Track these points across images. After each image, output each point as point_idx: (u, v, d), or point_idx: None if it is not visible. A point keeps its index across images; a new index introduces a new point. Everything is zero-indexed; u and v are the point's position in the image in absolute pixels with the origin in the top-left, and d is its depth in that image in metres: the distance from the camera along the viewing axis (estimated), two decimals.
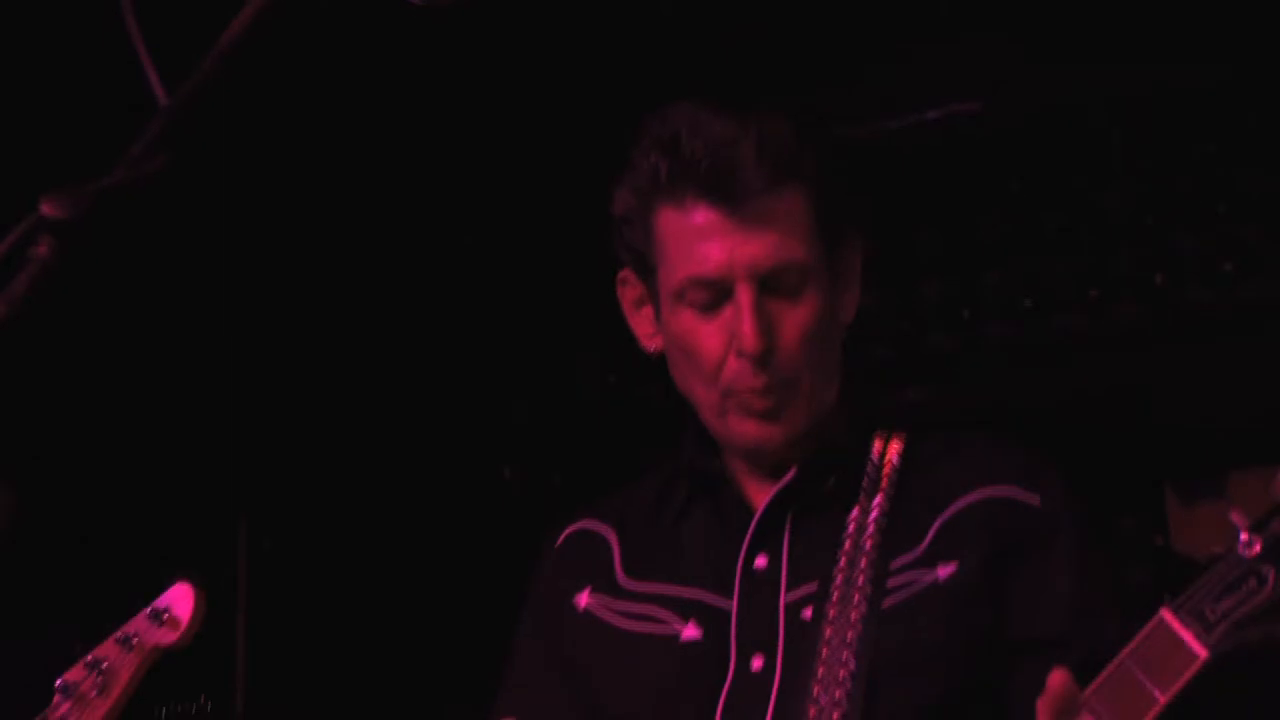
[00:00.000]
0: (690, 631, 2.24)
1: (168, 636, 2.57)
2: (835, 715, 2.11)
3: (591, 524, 2.41)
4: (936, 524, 2.22)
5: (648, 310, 2.31)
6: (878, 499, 2.25)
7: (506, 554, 4.78)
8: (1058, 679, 1.86)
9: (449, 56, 4.20)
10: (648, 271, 2.27)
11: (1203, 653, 1.78)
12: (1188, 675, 1.79)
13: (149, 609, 2.52)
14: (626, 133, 2.27)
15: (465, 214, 4.80)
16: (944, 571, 2.19)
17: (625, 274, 2.33)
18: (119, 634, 2.59)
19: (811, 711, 2.13)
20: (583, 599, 2.34)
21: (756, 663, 2.19)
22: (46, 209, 1.59)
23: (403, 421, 5.13)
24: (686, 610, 2.25)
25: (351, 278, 4.86)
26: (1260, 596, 1.76)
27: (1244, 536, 1.78)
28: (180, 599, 2.57)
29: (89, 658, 2.55)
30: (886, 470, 2.27)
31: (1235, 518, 1.79)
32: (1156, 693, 1.81)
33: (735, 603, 2.23)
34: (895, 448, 2.29)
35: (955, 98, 4.59)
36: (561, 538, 2.42)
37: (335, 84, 4.04)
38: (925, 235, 4.80)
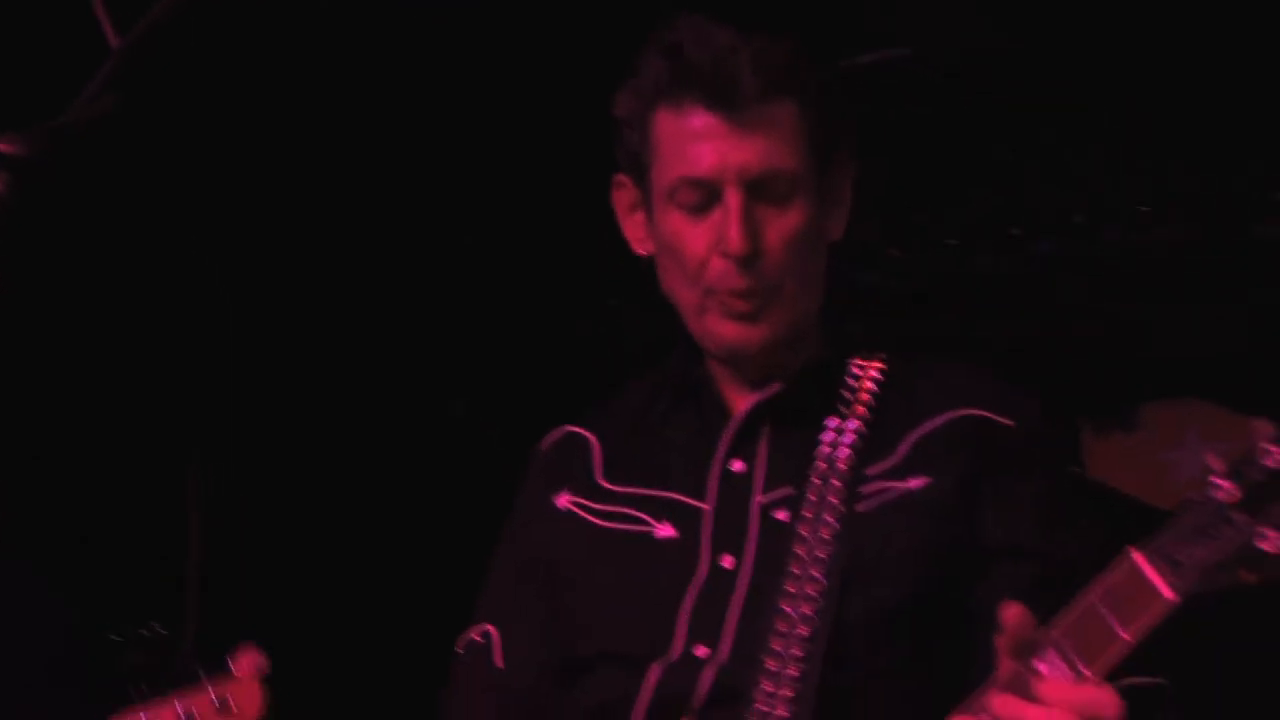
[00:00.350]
0: (665, 530, 2.25)
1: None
2: (805, 612, 2.12)
3: (574, 430, 2.43)
4: (911, 439, 2.22)
5: (640, 215, 2.30)
6: (855, 413, 2.25)
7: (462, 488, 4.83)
8: (1013, 614, 1.85)
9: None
10: (642, 174, 2.27)
11: (1172, 596, 1.76)
12: (1156, 618, 1.77)
13: (213, 693, 2.41)
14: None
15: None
16: (916, 484, 2.19)
17: (620, 178, 2.33)
18: (180, 710, 2.48)
19: (785, 608, 2.13)
20: (562, 499, 2.35)
21: (727, 561, 2.20)
22: (2, 146, 1.62)
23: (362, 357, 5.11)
24: (662, 510, 2.26)
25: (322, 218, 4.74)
26: (1232, 544, 1.74)
27: (1219, 482, 1.75)
28: (248, 695, 2.46)
29: None
30: (865, 387, 2.27)
31: (1211, 461, 1.76)
32: (1123, 633, 1.79)
33: (711, 502, 2.25)
34: (875, 367, 2.30)
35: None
36: (546, 444, 2.45)
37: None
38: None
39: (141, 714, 2.48)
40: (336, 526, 5.12)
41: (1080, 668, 1.81)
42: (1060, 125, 4.62)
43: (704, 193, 2.18)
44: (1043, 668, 1.82)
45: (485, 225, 4.96)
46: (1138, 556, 1.78)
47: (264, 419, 5.10)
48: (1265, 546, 1.72)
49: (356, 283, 4.98)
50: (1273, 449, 1.73)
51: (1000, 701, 1.83)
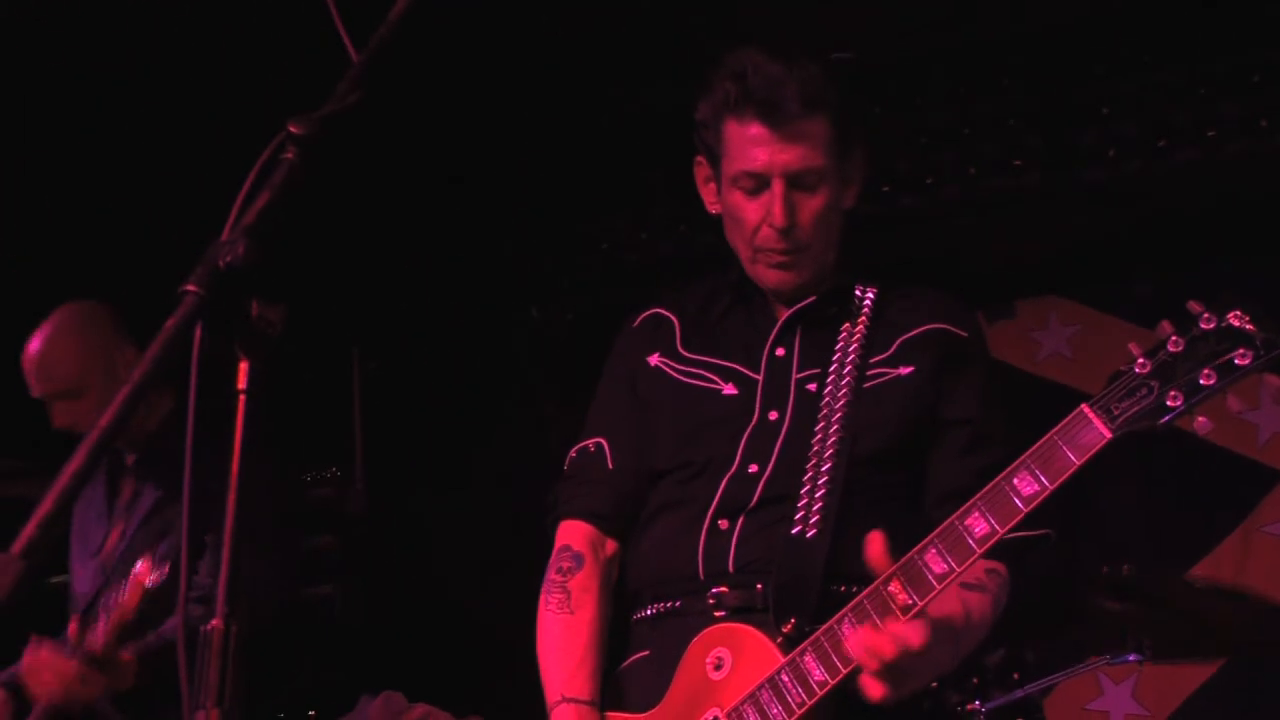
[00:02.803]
0: (729, 389, 2.28)
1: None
2: (829, 453, 2.16)
3: (660, 309, 2.42)
4: (900, 340, 2.28)
5: (712, 186, 2.33)
6: (861, 321, 2.29)
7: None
8: (874, 536, 1.94)
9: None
10: (715, 160, 2.29)
11: (1108, 434, 1.81)
12: (1096, 449, 1.82)
13: None
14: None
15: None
16: (905, 370, 2.24)
17: (699, 159, 2.33)
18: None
19: (815, 446, 2.17)
20: (653, 359, 2.35)
21: (773, 415, 2.24)
22: (293, 128, 1.60)
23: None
24: (727, 375, 2.28)
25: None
26: (1147, 402, 1.78)
27: (1139, 360, 1.80)
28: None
29: None
30: (867, 304, 2.30)
31: (1133, 348, 1.81)
32: (1073, 458, 1.84)
33: (762, 375, 2.27)
34: (873, 291, 2.32)
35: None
36: (639, 319, 2.44)
37: None
38: None
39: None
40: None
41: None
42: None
43: (757, 181, 2.22)
44: (892, 588, 1.91)
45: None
46: (1086, 408, 1.83)
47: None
48: (1171, 403, 1.77)
49: None
50: (1176, 339, 1.78)
51: (857, 634, 1.91)
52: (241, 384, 1.54)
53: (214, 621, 1.44)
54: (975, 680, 4.77)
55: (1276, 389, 1.77)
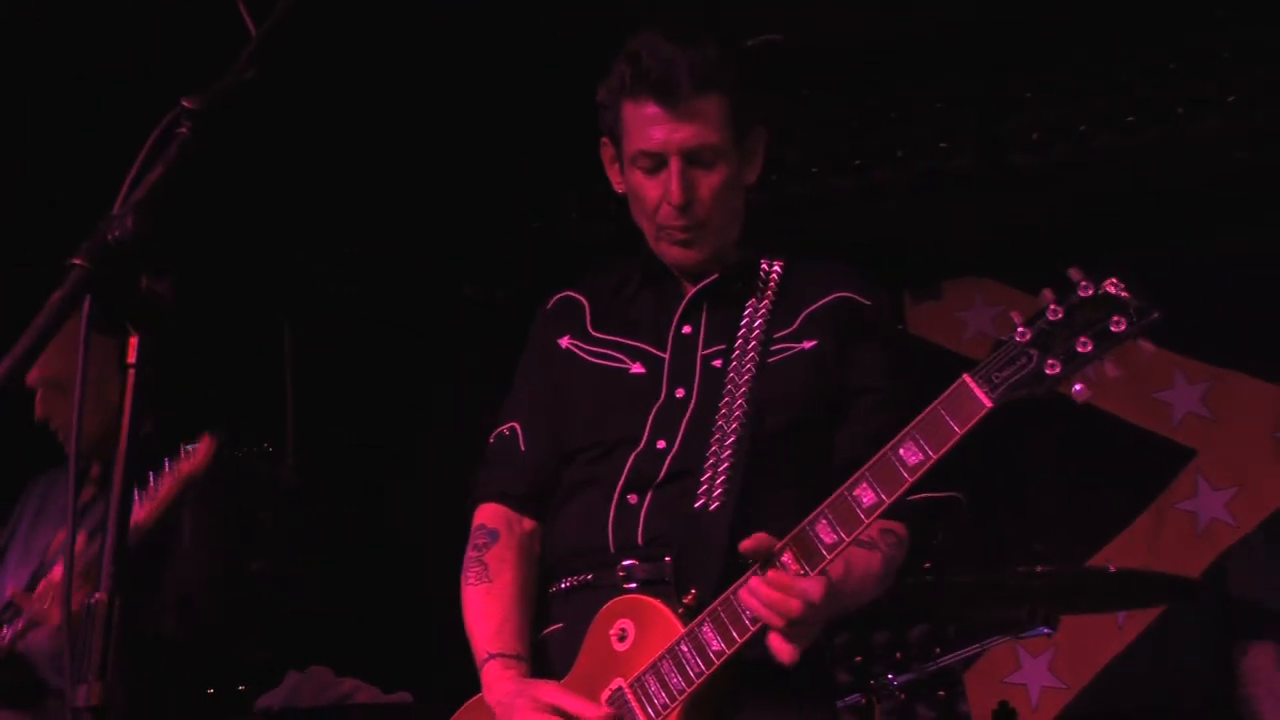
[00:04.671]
0: (637, 368, 2.27)
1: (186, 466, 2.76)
2: (733, 428, 2.16)
3: (571, 292, 2.42)
4: (804, 313, 2.26)
5: (616, 166, 2.32)
6: (767, 295, 2.28)
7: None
8: (753, 540, 1.95)
9: None
10: (616, 141, 2.28)
11: (989, 403, 1.81)
12: (978, 417, 1.82)
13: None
14: None
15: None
16: (808, 344, 2.23)
17: (604, 140, 2.33)
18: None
19: (720, 422, 2.18)
20: (564, 341, 2.36)
21: (679, 392, 2.23)
22: (186, 102, 1.59)
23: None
24: (635, 355, 2.28)
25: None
26: (1026, 370, 1.78)
27: (1020, 329, 1.80)
28: (201, 446, 2.77)
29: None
30: (772, 279, 2.30)
31: (1014, 316, 1.81)
32: (955, 427, 1.84)
33: (668, 353, 2.27)
34: (779, 264, 2.32)
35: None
36: (551, 302, 2.43)
37: None
38: None
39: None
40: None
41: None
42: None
43: (655, 160, 2.21)
44: (785, 558, 1.93)
45: None
46: (967, 377, 1.83)
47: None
48: (1049, 371, 1.77)
49: None
50: (1055, 307, 1.78)
51: (754, 582, 1.94)
52: (131, 358, 1.53)
53: (98, 595, 1.43)
54: (899, 655, 4.87)
55: (1149, 356, 1.78)
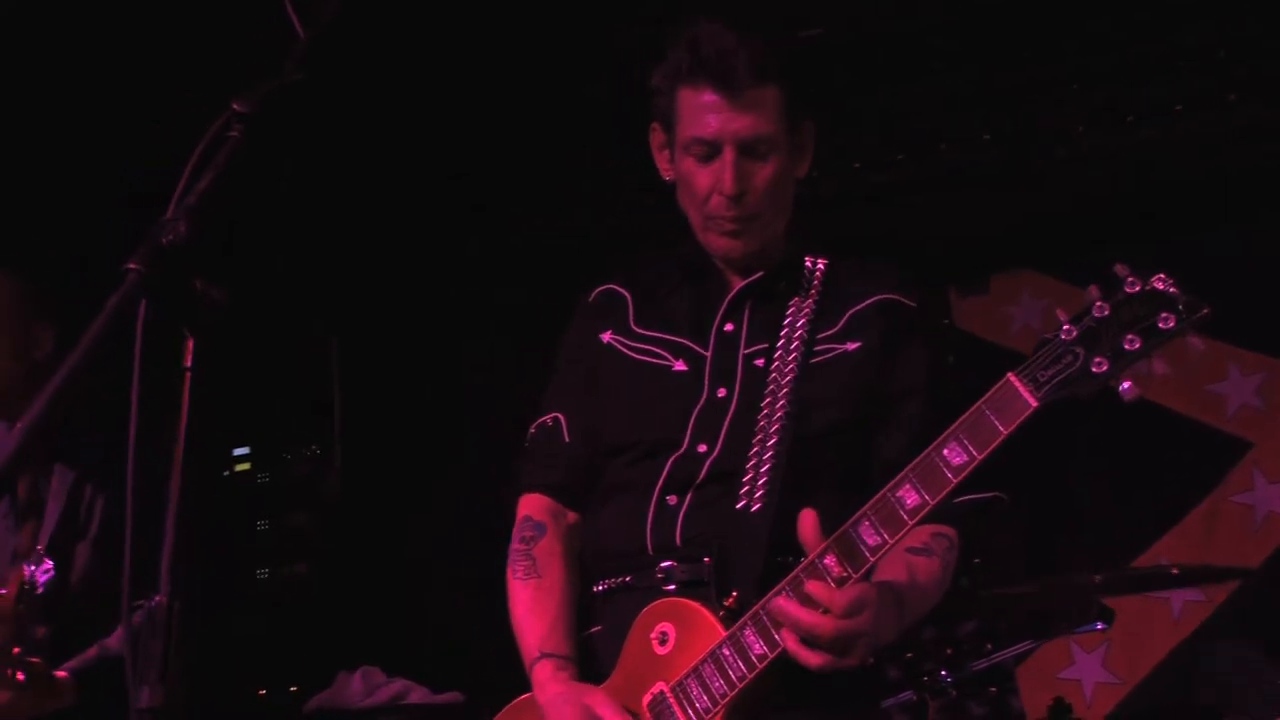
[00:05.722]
0: (679, 366, 2.26)
1: None
2: (775, 429, 2.16)
3: (614, 285, 2.40)
4: (849, 314, 2.25)
5: (666, 153, 2.31)
6: (811, 295, 2.27)
7: None
8: (806, 514, 1.95)
9: None
10: (669, 127, 2.28)
11: (1034, 403, 1.80)
12: (1023, 417, 1.81)
13: None
14: None
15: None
16: (852, 345, 2.23)
17: (654, 126, 2.32)
18: None
19: (761, 423, 2.17)
20: (606, 335, 2.34)
21: (721, 391, 2.22)
22: (237, 106, 1.61)
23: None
24: (677, 351, 2.27)
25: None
26: (1073, 368, 1.77)
27: (1065, 327, 1.78)
28: None
29: None
30: (816, 278, 2.30)
31: (1059, 314, 1.79)
32: (1000, 427, 1.82)
33: (710, 351, 2.26)
34: (823, 263, 2.32)
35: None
36: (594, 294, 2.41)
37: None
38: None
39: None
40: None
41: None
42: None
43: (709, 148, 2.20)
44: (828, 561, 1.92)
45: None
46: (1012, 376, 1.82)
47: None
48: (1096, 369, 1.76)
49: None
50: (1102, 304, 1.76)
51: (779, 602, 1.94)
52: (187, 361, 1.55)
53: (158, 598, 1.45)
54: (949, 651, 4.84)
55: (1200, 353, 1.76)
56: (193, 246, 1.54)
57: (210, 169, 1.60)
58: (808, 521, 1.95)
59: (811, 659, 1.92)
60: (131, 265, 1.51)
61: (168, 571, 1.47)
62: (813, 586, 1.92)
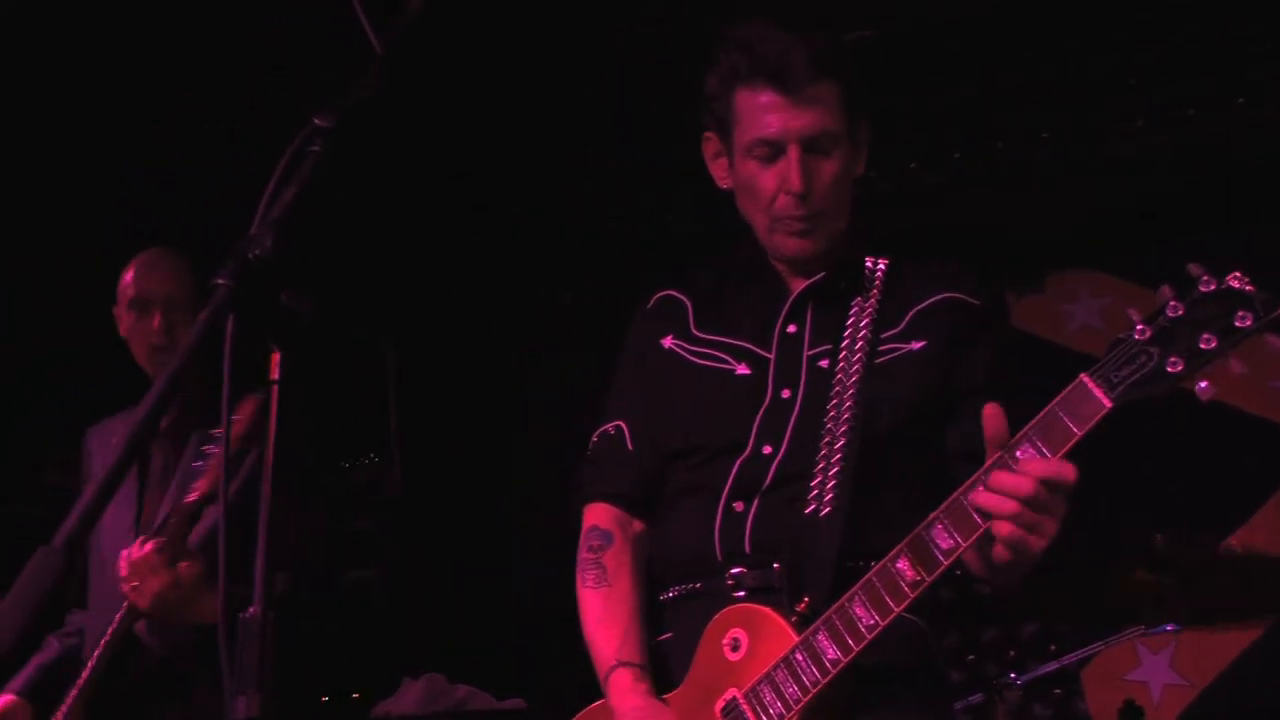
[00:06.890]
0: (742, 369, 2.26)
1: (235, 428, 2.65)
2: (842, 430, 2.15)
3: (672, 291, 2.40)
4: (912, 313, 2.24)
5: (723, 161, 2.30)
6: (873, 295, 2.26)
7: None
8: (991, 412, 1.90)
9: None
10: (725, 133, 2.27)
11: (1109, 403, 1.79)
12: (1097, 418, 1.80)
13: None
14: None
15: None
16: (916, 345, 2.22)
17: (709, 135, 2.32)
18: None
19: (828, 424, 2.17)
20: (667, 341, 2.34)
21: (785, 393, 2.22)
22: (318, 120, 1.63)
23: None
24: (740, 355, 2.27)
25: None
26: (1147, 368, 1.76)
27: (1139, 326, 1.78)
28: (248, 403, 2.69)
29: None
30: (878, 277, 2.29)
31: (1132, 314, 1.79)
32: (1074, 428, 1.82)
33: (774, 353, 2.26)
34: (884, 262, 2.31)
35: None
36: (653, 300, 2.41)
37: None
38: None
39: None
40: None
41: (1045, 452, 1.84)
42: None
43: (772, 149, 2.19)
44: (1019, 454, 1.86)
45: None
46: (1085, 377, 1.81)
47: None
48: (1171, 369, 1.75)
49: None
50: (1176, 303, 1.76)
51: (994, 476, 1.87)
52: (275, 374, 1.58)
53: (252, 609, 1.48)
54: (1012, 653, 4.84)
55: (1278, 350, 1.75)
56: (278, 261, 1.56)
57: (293, 183, 1.62)
58: (995, 421, 1.89)
59: (1002, 528, 1.87)
60: (220, 280, 1.54)
61: (261, 582, 1.50)
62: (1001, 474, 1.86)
